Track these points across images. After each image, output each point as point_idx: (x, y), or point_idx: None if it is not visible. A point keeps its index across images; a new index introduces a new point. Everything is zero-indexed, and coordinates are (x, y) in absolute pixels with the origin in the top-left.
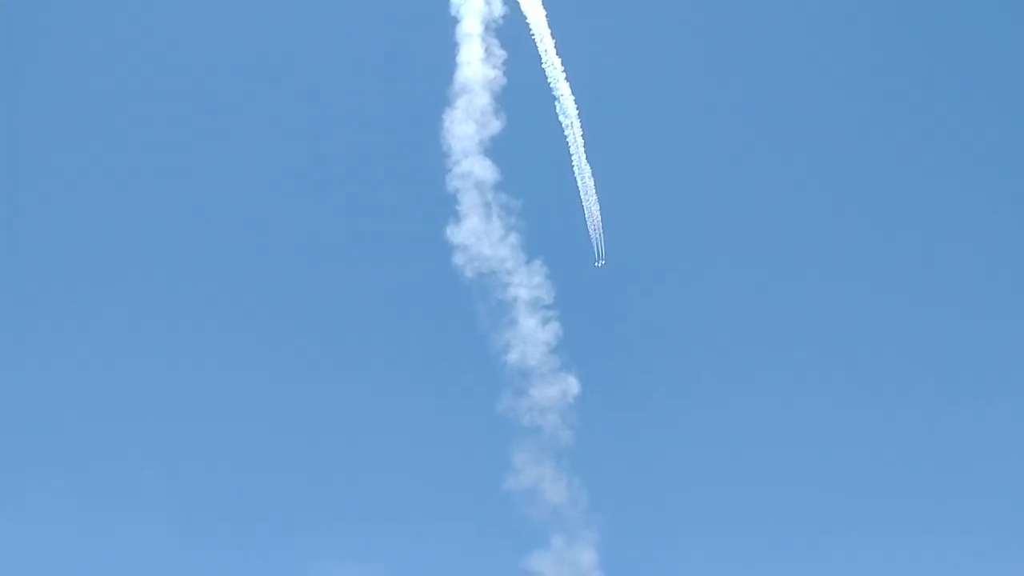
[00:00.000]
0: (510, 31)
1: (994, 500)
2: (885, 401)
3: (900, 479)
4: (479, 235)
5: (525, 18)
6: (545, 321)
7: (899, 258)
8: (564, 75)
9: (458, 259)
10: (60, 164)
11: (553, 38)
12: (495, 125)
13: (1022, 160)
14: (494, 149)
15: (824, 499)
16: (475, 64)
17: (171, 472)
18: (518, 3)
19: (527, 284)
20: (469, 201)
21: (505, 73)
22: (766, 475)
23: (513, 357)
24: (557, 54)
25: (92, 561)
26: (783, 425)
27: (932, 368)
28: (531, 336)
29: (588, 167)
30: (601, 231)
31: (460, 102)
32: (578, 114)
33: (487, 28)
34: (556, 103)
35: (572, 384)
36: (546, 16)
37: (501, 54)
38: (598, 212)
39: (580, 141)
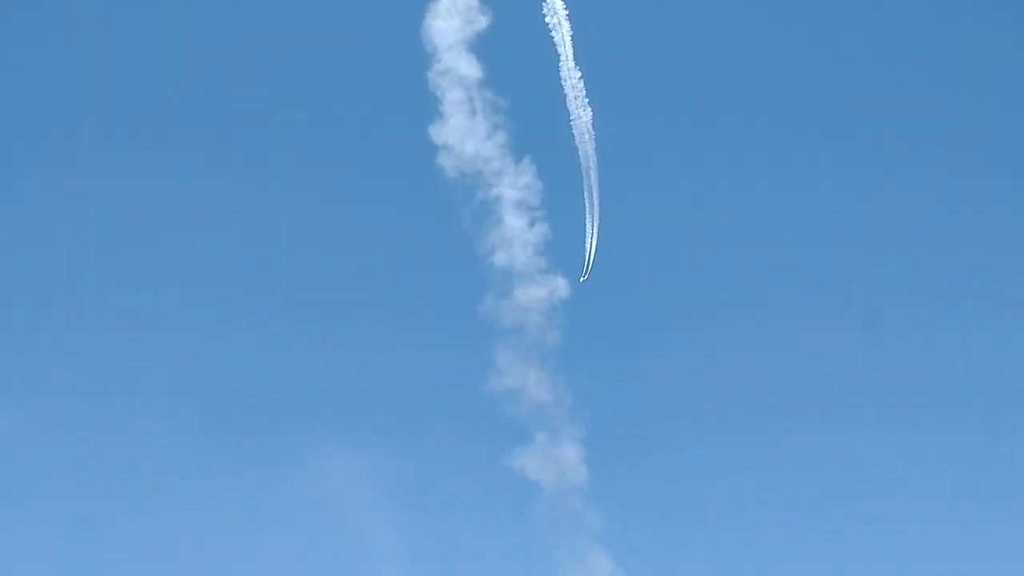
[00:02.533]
0: None
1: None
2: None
3: (886, 383)
4: (463, 134)
5: None
6: (532, 222)
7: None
8: None
9: (441, 159)
10: None
11: None
12: (481, 21)
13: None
14: (479, 46)
15: (815, 407)
16: None
17: (169, 370)
18: None
19: (514, 184)
20: (453, 99)
21: None
22: (752, 377)
23: (499, 258)
24: None
25: (90, 451)
26: (773, 330)
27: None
28: (518, 237)
29: (577, 70)
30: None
31: None
32: (567, 14)
33: None
34: (544, 1)
35: (560, 286)
36: None
37: None
38: (588, 118)
39: (568, 41)
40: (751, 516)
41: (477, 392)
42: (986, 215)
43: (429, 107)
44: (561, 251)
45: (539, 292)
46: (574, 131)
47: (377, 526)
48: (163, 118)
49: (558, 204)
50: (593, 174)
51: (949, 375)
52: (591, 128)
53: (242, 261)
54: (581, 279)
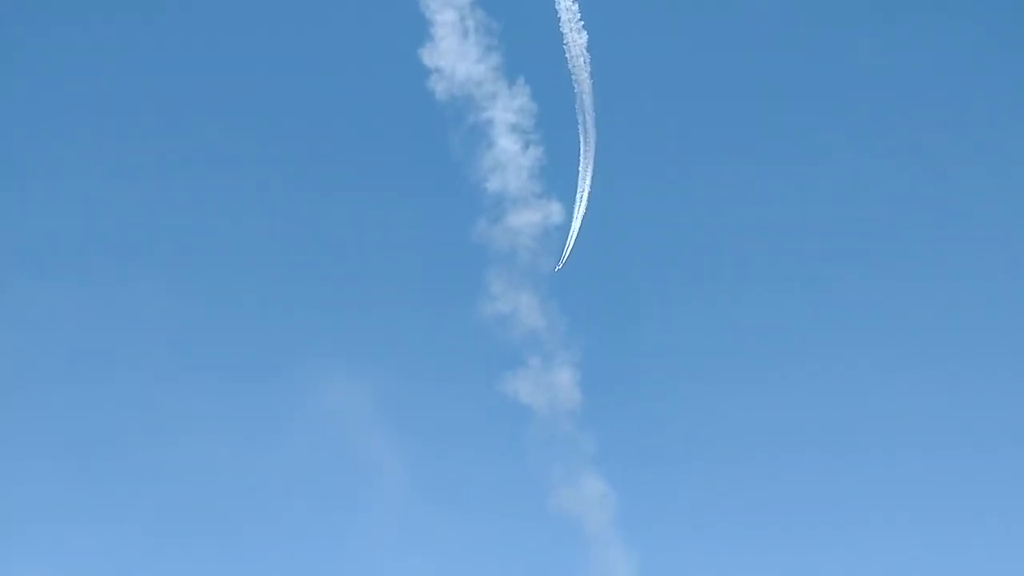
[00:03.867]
0: None
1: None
2: None
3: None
4: (455, 57)
5: None
6: (526, 145)
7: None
8: None
9: (433, 82)
10: None
11: None
12: None
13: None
14: None
15: (810, 337)
16: None
17: (168, 298)
18: None
19: (507, 107)
20: (444, 21)
21: None
22: (749, 302)
23: (492, 182)
24: None
25: (89, 357)
26: (770, 259)
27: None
28: (511, 161)
29: None
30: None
31: None
32: None
33: None
34: None
35: (555, 211)
36: None
37: None
38: (583, 41)
39: None
40: (744, 438)
41: (471, 317)
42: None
43: (420, 29)
44: (556, 175)
45: (533, 217)
46: (568, 55)
47: (375, 448)
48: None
49: (552, 127)
50: (588, 100)
51: (935, 313)
52: (586, 52)
53: (239, 195)
54: (555, 268)
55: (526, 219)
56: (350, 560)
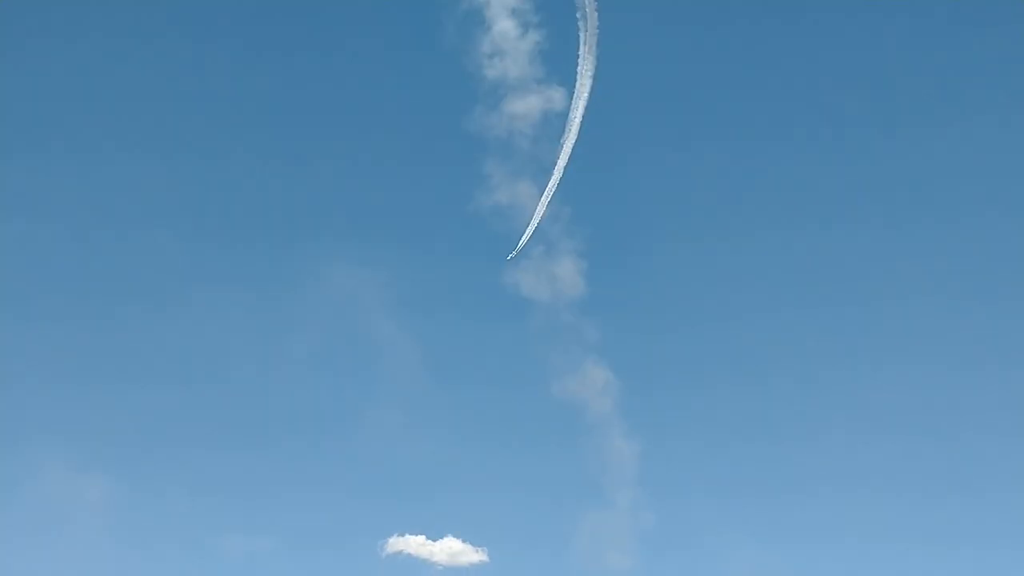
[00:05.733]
0: None
1: None
2: None
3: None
4: None
5: None
6: (525, 29)
7: None
8: None
9: None
10: None
11: None
12: None
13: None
14: None
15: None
16: None
17: (176, 182)
18: None
19: None
20: None
21: None
22: (754, 185)
23: (491, 70)
24: None
25: (97, 257)
26: (772, 133)
27: None
28: (510, 45)
29: None
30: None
31: None
32: None
33: None
34: None
35: (556, 97)
36: None
37: None
38: None
39: None
40: (748, 319)
41: (474, 206)
42: None
43: None
44: (556, 59)
45: (533, 103)
46: None
47: (385, 331)
48: None
49: (552, 10)
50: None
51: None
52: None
53: (245, 90)
54: (508, 257)
55: (525, 105)
56: (362, 436)
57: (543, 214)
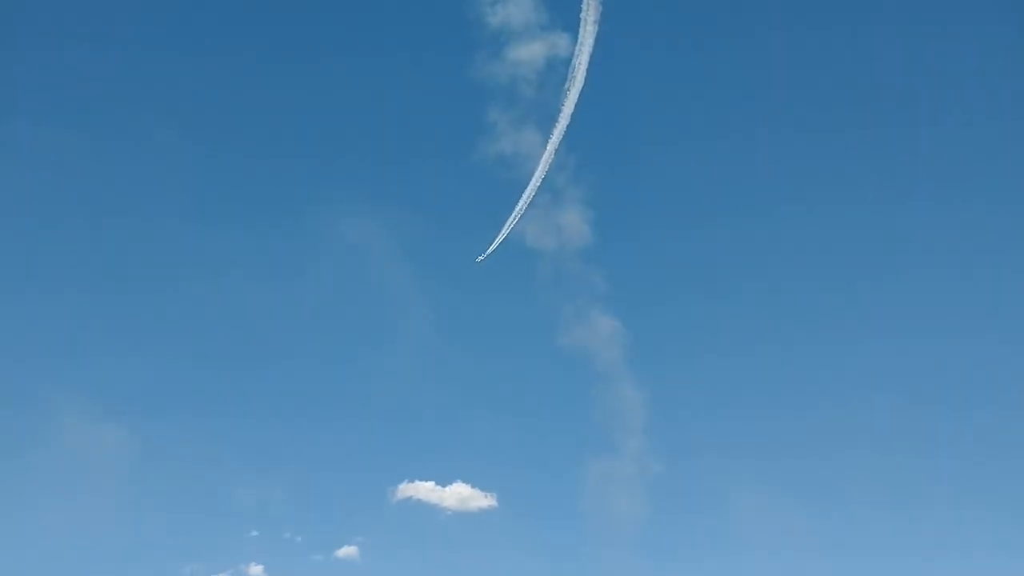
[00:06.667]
0: None
1: None
2: None
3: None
4: None
5: None
6: None
7: None
8: None
9: None
10: None
11: None
12: None
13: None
14: None
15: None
16: None
17: (180, 120)
18: None
19: None
20: None
21: None
22: (759, 135)
23: (494, 16)
24: None
25: (113, 201)
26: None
27: None
28: None
29: None
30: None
31: None
32: None
33: None
34: None
35: (561, 41)
36: None
37: None
38: None
39: None
40: (757, 274)
41: (478, 155)
42: None
43: None
44: (560, 5)
45: (537, 49)
46: None
47: (395, 284)
48: None
49: None
50: None
51: None
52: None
53: (251, 41)
54: (478, 259)
55: (529, 51)
56: (372, 385)
57: (545, 173)
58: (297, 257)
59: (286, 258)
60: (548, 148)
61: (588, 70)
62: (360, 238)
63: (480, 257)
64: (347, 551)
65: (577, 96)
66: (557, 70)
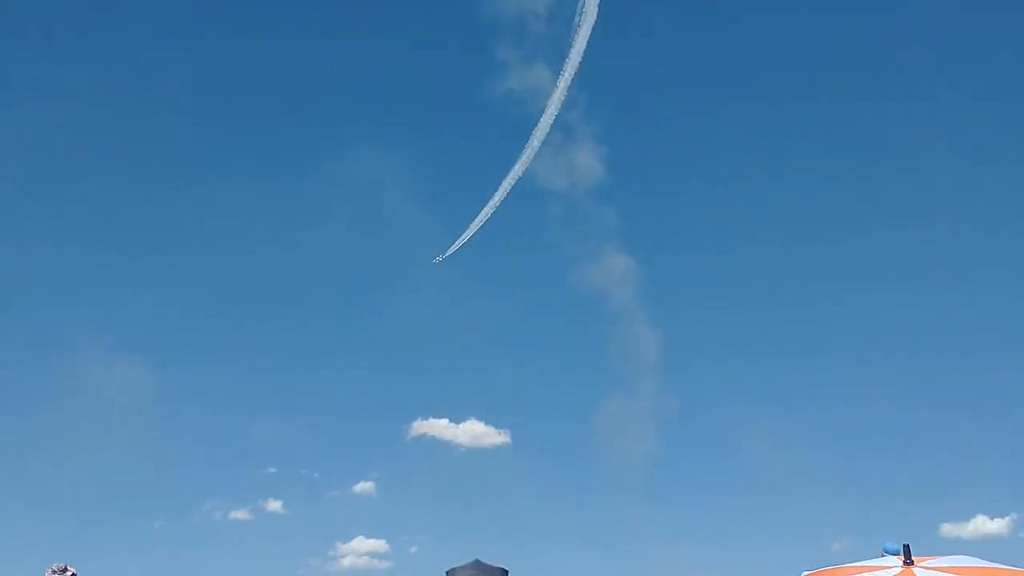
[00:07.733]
0: None
1: None
2: None
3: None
4: None
5: None
6: None
7: None
8: None
9: None
10: None
11: None
12: None
13: None
14: None
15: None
16: None
17: (198, 67)
18: None
19: None
20: None
21: None
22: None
23: None
24: None
25: (116, 138)
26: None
27: None
28: None
29: None
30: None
31: None
32: None
33: None
34: None
35: None
36: None
37: None
38: None
39: None
40: (766, 212)
41: (487, 91)
42: None
43: None
44: None
45: None
46: None
47: (405, 215)
48: None
49: None
50: None
51: None
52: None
53: None
54: (436, 260)
55: None
56: (385, 322)
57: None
58: (310, 198)
59: (300, 199)
60: (559, 85)
61: (599, 3)
62: (369, 171)
63: (439, 258)
64: (363, 486)
65: (589, 30)
66: (567, 3)
